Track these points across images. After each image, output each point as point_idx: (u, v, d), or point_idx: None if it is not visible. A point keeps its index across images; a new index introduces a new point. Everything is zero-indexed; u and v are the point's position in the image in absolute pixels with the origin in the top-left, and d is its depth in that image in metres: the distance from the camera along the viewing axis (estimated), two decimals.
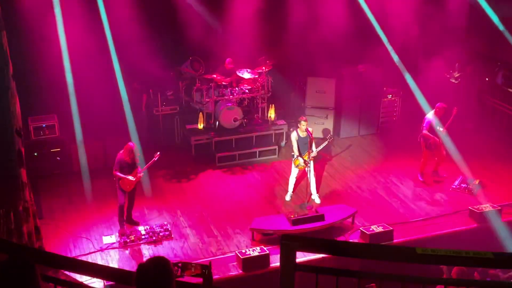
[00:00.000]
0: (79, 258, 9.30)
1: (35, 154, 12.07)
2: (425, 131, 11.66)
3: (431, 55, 15.34)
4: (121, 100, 12.54)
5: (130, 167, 10.02)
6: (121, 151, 9.99)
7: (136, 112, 12.91)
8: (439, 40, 14.88)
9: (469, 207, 10.83)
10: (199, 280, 3.56)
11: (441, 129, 11.69)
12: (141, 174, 10.22)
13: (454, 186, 11.88)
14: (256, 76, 13.27)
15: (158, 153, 10.24)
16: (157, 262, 3.16)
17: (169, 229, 10.38)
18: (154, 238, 10.13)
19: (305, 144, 11.00)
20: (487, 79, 14.55)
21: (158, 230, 10.32)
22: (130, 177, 9.99)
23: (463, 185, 11.86)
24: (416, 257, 2.91)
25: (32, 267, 3.26)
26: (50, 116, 12.34)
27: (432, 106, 12.02)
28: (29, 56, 12.00)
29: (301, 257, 7.80)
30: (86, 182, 11.75)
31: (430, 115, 11.72)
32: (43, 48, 12.10)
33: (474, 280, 3.10)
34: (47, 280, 3.46)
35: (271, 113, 13.55)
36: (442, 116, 11.73)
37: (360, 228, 10.13)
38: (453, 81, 14.82)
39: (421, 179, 12.16)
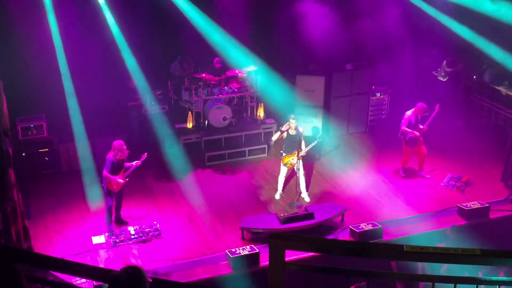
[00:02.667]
0: (68, 258, 9.25)
1: (23, 154, 12.01)
2: (403, 128, 11.82)
3: (419, 52, 15.45)
4: (111, 100, 12.55)
5: (119, 167, 9.98)
6: (110, 152, 9.94)
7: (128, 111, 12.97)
8: (427, 38, 14.96)
9: (458, 205, 10.91)
10: None
11: (422, 126, 11.80)
12: (134, 165, 10.15)
13: (443, 184, 11.97)
14: (245, 75, 13.29)
15: (146, 153, 10.20)
16: (131, 271, 3.12)
17: (159, 228, 10.36)
18: (143, 237, 10.10)
19: (294, 142, 11.01)
20: (474, 77, 14.64)
21: (148, 229, 10.30)
22: (119, 179, 9.95)
23: (452, 183, 11.96)
24: (404, 255, 2.92)
25: (13, 267, 3.23)
26: (38, 116, 12.27)
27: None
28: (17, 55, 11.92)
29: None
30: (74, 182, 11.75)
31: (409, 112, 11.88)
32: (31, 47, 12.06)
33: (463, 277, 3.12)
34: (35, 281, 3.44)
35: (260, 112, 13.56)
36: (422, 115, 11.85)
37: (350, 226, 10.16)
38: (441, 78, 14.92)
39: (402, 174, 12.33)
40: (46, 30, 12.06)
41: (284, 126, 11.21)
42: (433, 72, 15.18)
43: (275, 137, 11.41)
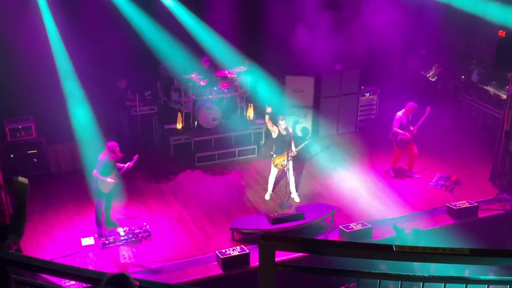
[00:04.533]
0: (57, 260, 9.20)
1: (12, 156, 11.93)
2: (394, 129, 11.86)
3: (408, 53, 15.51)
4: (102, 100, 12.49)
5: (111, 168, 9.94)
6: (103, 153, 9.90)
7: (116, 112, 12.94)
8: (416, 38, 15.02)
9: (447, 204, 10.97)
10: None
11: (412, 128, 11.85)
12: (126, 168, 10.13)
13: (432, 184, 12.03)
14: (235, 76, 13.27)
15: (137, 155, 10.17)
16: (117, 281, 3.07)
17: (148, 229, 10.33)
18: (133, 239, 10.07)
19: (284, 142, 11.01)
20: (463, 77, 14.72)
21: (137, 231, 10.26)
22: (109, 179, 9.91)
23: (441, 182, 12.02)
24: (393, 255, 2.93)
25: (3, 267, 3.20)
26: (27, 117, 12.19)
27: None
28: (5, 56, 11.85)
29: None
30: (63, 184, 11.71)
31: (400, 113, 11.92)
32: (20, 48, 11.98)
33: (453, 277, 3.13)
34: (23, 284, 3.42)
35: (250, 113, 13.55)
36: (413, 115, 11.89)
37: (340, 226, 10.18)
38: (430, 78, 15.00)
39: (392, 174, 12.37)
40: (35, 30, 12.00)
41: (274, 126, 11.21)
42: (422, 72, 15.26)
43: (268, 119, 11.36)
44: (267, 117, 11.31)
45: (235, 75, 13.32)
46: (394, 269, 3.24)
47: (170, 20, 13.32)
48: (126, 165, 10.11)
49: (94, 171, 9.87)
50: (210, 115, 13.08)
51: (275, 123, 11.14)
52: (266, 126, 11.60)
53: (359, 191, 11.78)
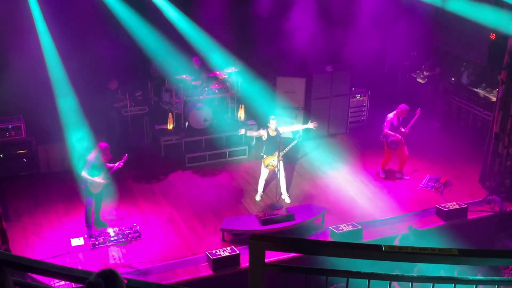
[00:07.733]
0: (47, 260, 9.14)
1: (1, 155, 11.87)
2: (386, 130, 11.89)
3: (398, 55, 15.56)
4: (92, 101, 12.45)
5: (100, 169, 9.91)
6: (92, 153, 9.87)
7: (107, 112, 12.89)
8: (406, 40, 15.07)
9: (436, 205, 11.02)
10: None
11: (403, 129, 11.89)
12: (115, 168, 10.11)
13: (422, 185, 12.08)
14: (226, 76, 13.27)
15: (126, 155, 10.14)
16: (106, 275, 3.09)
17: (139, 230, 10.31)
18: (123, 239, 10.04)
19: (274, 143, 11.01)
20: (453, 79, 14.80)
21: (127, 231, 10.23)
22: (98, 180, 9.87)
23: (431, 184, 12.07)
24: (382, 255, 2.94)
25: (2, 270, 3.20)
26: (16, 117, 12.14)
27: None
28: None
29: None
30: (53, 184, 11.65)
31: (391, 115, 11.95)
32: (9, 47, 11.93)
33: (441, 277, 3.15)
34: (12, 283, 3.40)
35: (241, 114, 13.55)
36: (404, 117, 11.93)
37: (330, 227, 10.20)
38: (420, 81, 15.07)
39: (382, 175, 12.42)
40: (25, 30, 11.95)
41: (261, 130, 11.26)
42: (412, 74, 15.32)
43: (250, 132, 11.61)
44: (248, 132, 11.62)
45: (226, 76, 13.32)
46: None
47: (161, 20, 13.29)
48: (116, 164, 10.06)
49: (83, 172, 9.82)
50: (201, 116, 13.08)
51: (260, 127, 11.23)
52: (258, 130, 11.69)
53: (349, 192, 11.81)
